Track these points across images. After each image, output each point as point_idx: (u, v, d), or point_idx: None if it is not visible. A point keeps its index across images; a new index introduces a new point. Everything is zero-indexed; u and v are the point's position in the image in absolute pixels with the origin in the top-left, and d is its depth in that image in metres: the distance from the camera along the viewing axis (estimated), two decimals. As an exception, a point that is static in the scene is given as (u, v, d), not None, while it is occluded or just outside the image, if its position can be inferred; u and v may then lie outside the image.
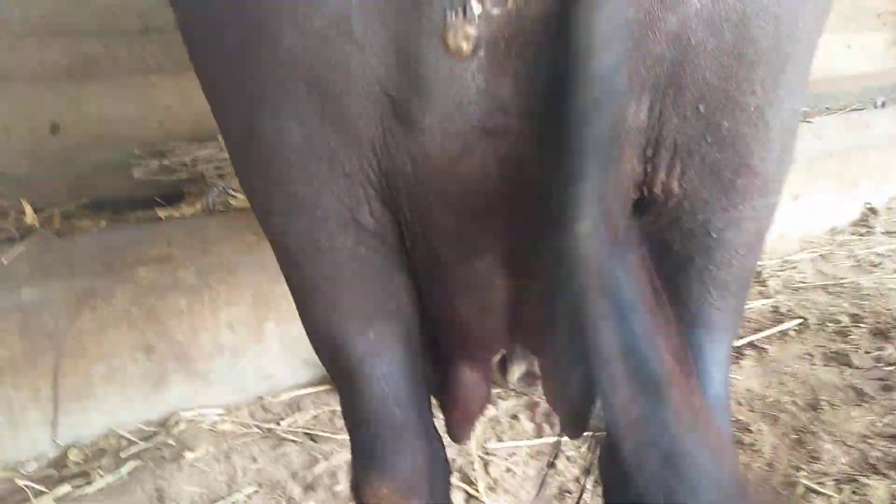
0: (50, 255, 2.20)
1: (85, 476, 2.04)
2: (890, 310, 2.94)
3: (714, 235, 0.87)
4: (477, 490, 2.01)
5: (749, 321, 2.95)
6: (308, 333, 1.00)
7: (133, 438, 2.23)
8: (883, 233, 4.05)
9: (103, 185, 3.28)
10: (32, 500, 1.95)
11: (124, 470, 2.06)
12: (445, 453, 1.11)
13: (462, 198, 0.83)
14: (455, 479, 2.07)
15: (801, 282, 3.37)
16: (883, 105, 4.64)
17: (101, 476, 2.02)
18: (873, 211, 4.28)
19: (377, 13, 0.71)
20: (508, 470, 2.10)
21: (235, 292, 2.39)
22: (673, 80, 0.75)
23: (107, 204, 3.11)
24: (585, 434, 1.14)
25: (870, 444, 2.10)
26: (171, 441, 2.22)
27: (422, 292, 1.01)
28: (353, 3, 0.71)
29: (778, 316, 2.96)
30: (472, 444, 2.20)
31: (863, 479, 1.94)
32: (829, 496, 1.89)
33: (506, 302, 0.98)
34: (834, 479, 1.96)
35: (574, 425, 1.15)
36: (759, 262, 1.00)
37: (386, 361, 0.96)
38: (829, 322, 2.87)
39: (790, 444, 2.15)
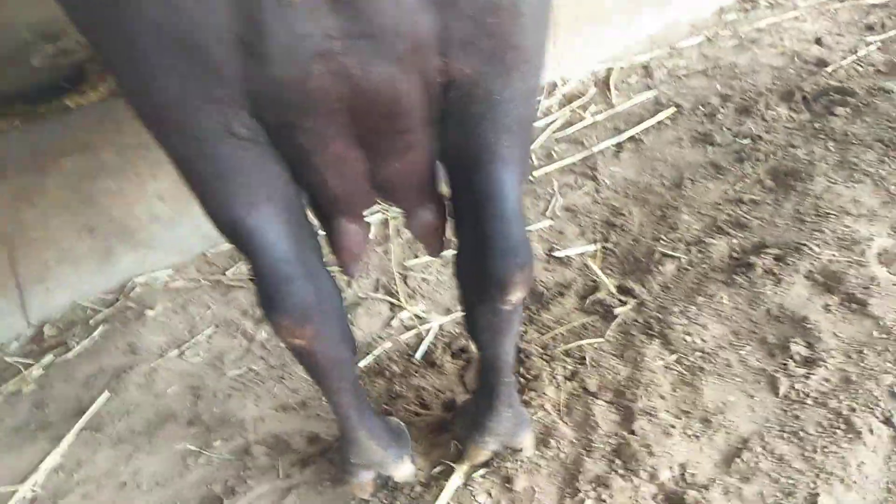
0: (-24, 161, 2.38)
1: (63, 345, 2.39)
2: (756, 86, 3.27)
3: (496, 96, 1.18)
4: (398, 299, 2.40)
5: (632, 115, 3.26)
6: (207, 216, 1.29)
7: (97, 307, 2.56)
8: (766, 6, 4.26)
9: (2, 80, 3.34)
10: (23, 371, 2.30)
11: (96, 334, 2.40)
12: (333, 288, 1.44)
13: (310, 104, 1.11)
14: (380, 294, 2.46)
15: (684, 68, 3.64)
16: None
17: (78, 343, 2.36)
18: (759, -16, 4.45)
19: None
20: (424, 280, 2.48)
21: (157, 167, 2.61)
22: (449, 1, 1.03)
23: (12, 98, 3.20)
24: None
25: (720, 209, 2.51)
26: (131, 304, 2.54)
27: (295, 172, 1.30)
28: None
29: (657, 107, 3.27)
30: (393, 263, 2.57)
31: (708, 240, 2.35)
32: (679, 258, 2.31)
33: (362, 171, 1.29)
34: (685, 244, 2.38)
35: (436, 247, 1.56)
36: (535, 113, 1.30)
37: (270, 231, 1.27)
38: (702, 105, 3.19)
39: (655, 220, 2.55)
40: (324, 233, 1.54)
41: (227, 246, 2.80)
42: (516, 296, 1.36)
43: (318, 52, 1.02)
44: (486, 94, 1.18)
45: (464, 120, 1.22)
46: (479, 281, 1.38)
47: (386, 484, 1.73)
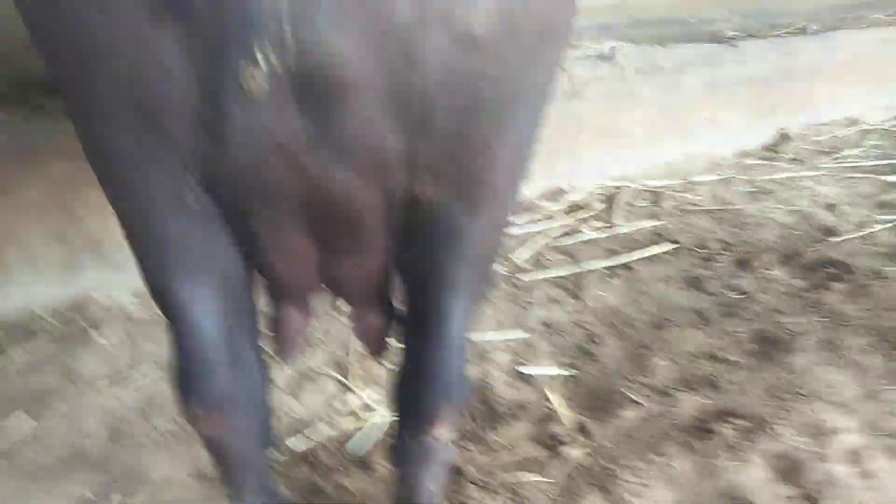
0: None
1: (4, 354, 2.29)
2: (760, 240, 3.24)
3: (458, 226, 1.12)
4: (348, 381, 2.31)
5: (631, 241, 3.23)
6: (142, 279, 1.22)
7: (49, 318, 2.47)
8: (789, 160, 4.30)
9: (23, 63, 3.33)
10: (-49, 371, 2.21)
11: (38, 348, 2.31)
12: (261, 378, 1.36)
13: (264, 192, 1.05)
14: (331, 370, 2.37)
15: (693, 204, 3.64)
16: (814, 33, 4.74)
17: (18, 354, 2.27)
18: (786, 137, 4.50)
19: (189, 58, 0.89)
20: (381, 364, 2.40)
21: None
22: (421, 126, 0.98)
23: (30, 84, 3.19)
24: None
25: (695, 363, 2.44)
26: (82, 322, 2.46)
27: (243, 251, 1.24)
28: (168, 49, 0.88)
29: (657, 237, 3.24)
30: (351, 339, 2.49)
31: (676, 394, 2.28)
32: (643, 405, 2.23)
33: (312, 263, 1.22)
34: (653, 391, 2.30)
35: (377, 349, 1.51)
36: (501, 246, 1.25)
37: (203, 310, 1.19)
38: (701, 247, 3.16)
39: (628, 357, 2.48)
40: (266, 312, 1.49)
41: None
42: (442, 432, 1.29)
43: (278, 146, 0.96)
44: (448, 222, 1.12)
45: (420, 241, 1.16)
46: (409, 407, 1.31)
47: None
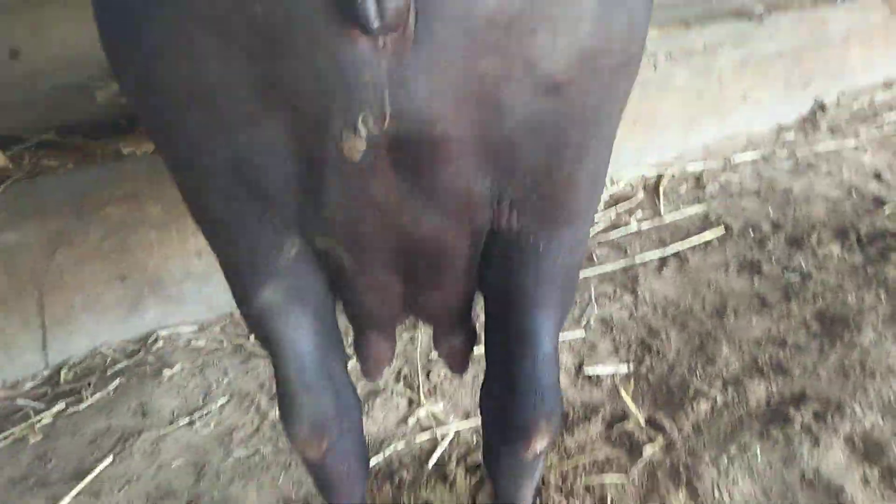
0: (24, 199, 2.40)
1: (77, 394, 2.36)
2: (810, 217, 3.20)
3: (540, 248, 1.15)
4: (418, 395, 2.34)
5: (679, 229, 3.21)
6: (236, 302, 1.27)
7: (117, 357, 2.53)
8: (827, 130, 4.22)
9: (66, 110, 3.42)
10: (33, 417, 2.27)
11: (111, 388, 2.37)
12: (355, 400, 1.40)
13: (359, 242, 1.12)
14: (400, 386, 2.39)
15: (737, 185, 3.60)
16: (843, 0, 4.65)
17: (91, 395, 2.33)
18: (822, 108, 4.43)
19: (292, 131, 0.94)
20: (447, 377, 2.42)
21: (200, 223, 2.61)
22: (508, 168, 1.02)
23: (73, 129, 3.26)
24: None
25: (761, 348, 2.42)
26: (150, 358, 2.52)
27: (335, 289, 1.29)
28: (272, 125, 0.94)
29: (706, 223, 3.21)
30: (417, 354, 2.51)
31: (746, 382, 2.26)
32: (715, 397, 2.21)
33: (399, 295, 1.28)
34: (722, 381, 2.28)
35: (459, 368, 1.61)
36: (582, 262, 1.27)
37: (299, 335, 1.24)
38: (752, 229, 3.13)
39: (692, 349, 2.46)
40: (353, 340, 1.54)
41: (254, 310, 2.78)
42: (540, 445, 1.30)
43: (372, 204, 1.01)
44: (533, 244, 1.15)
45: (505, 264, 1.20)
46: (503, 422, 1.33)
47: None
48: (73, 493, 1.99)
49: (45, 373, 2.49)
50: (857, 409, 2.07)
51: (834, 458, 1.94)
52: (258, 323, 1.23)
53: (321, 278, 1.23)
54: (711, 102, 4.00)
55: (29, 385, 2.44)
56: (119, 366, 2.49)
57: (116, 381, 2.40)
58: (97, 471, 2.06)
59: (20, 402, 2.33)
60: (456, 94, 0.89)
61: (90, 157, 2.71)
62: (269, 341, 1.24)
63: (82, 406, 2.31)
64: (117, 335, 2.59)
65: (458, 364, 1.61)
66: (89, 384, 2.40)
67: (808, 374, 2.26)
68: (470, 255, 1.18)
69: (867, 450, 1.95)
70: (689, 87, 3.82)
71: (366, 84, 0.84)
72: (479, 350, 1.49)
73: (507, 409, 1.29)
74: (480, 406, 1.45)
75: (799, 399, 2.15)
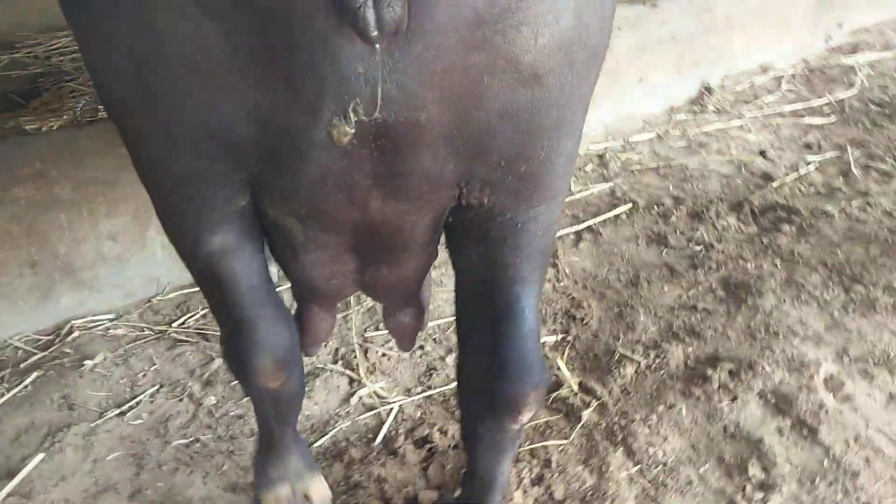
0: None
1: (-8, 389, 2.20)
2: (707, 192, 3.43)
3: (518, 225, 1.20)
4: (359, 374, 2.34)
5: (589, 205, 3.36)
6: (173, 240, 1.26)
7: (30, 349, 2.38)
8: (713, 111, 4.52)
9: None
10: (-57, 416, 2.10)
11: (28, 381, 2.23)
12: (296, 330, 1.41)
13: (321, 218, 1.14)
14: (339, 366, 2.39)
15: (637, 163, 3.80)
16: (724, -15, 4.96)
17: (8, 390, 2.18)
18: (708, 90, 4.72)
19: (281, 107, 0.97)
20: (384, 355, 2.44)
21: (115, 206, 2.48)
22: (479, 151, 1.06)
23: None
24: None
25: (674, 314, 2.60)
26: (67, 349, 2.38)
27: (279, 258, 1.31)
28: (262, 100, 0.96)
29: (614, 200, 3.39)
30: (353, 334, 2.52)
31: (665, 345, 2.42)
32: (638, 361, 2.36)
33: (350, 272, 1.32)
34: (643, 346, 2.44)
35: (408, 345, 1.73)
36: (555, 233, 1.33)
37: (247, 263, 1.24)
38: (656, 205, 3.32)
39: (613, 317, 2.61)
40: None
41: (175, 293, 2.68)
42: (527, 415, 1.36)
43: (345, 184, 1.05)
44: (507, 221, 1.20)
45: (483, 242, 1.24)
46: (489, 399, 1.36)
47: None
48: (3, 494, 1.87)
49: (-50, 368, 2.30)
50: (766, 366, 2.27)
51: (751, 412, 2.13)
52: (211, 266, 1.23)
53: (260, 236, 1.26)
54: (610, 84, 4.19)
55: (-67, 382, 2.25)
56: (34, 358, 2.34)
57: (34, 375, 2.26)
58: (27, 469, 1.94)
59: (-75, 400, 2.15)
60: (442, 86, 0.94)
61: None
62: (222, 282, 1.24)
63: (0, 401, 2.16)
64: (30, 325, 2.43)
65: (408, 341, 1.68)
66: (2, 378, 2.25)
67: (720, 336, 2.45)
68: (428, 234, 1.21)
69: (778, 403, 2.15)
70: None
71: (359, 76, 0.89)
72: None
73: (494, 383, 1.33)
74: (459, 382, 1.48)
75: (714, 360, 2.33)
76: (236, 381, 2.26)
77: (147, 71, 0.96)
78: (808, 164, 3.66)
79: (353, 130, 0.94)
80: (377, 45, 0.86)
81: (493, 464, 1.47)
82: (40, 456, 1.98)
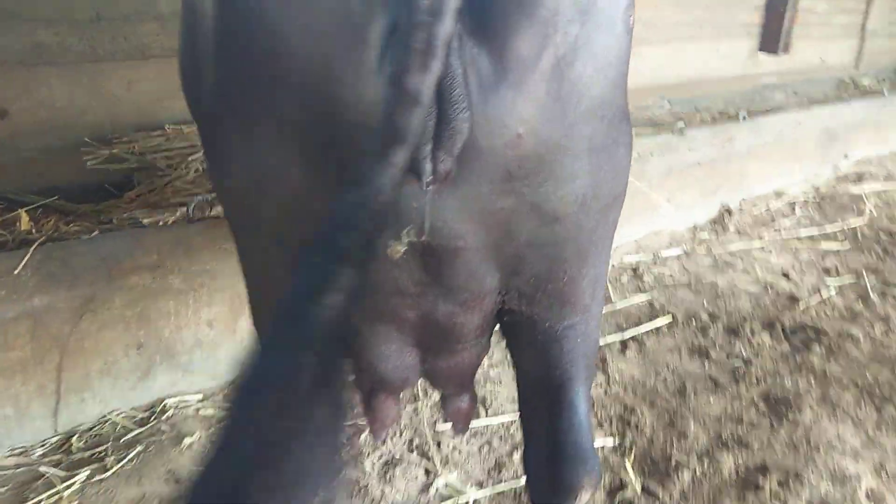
0: (52, 264, 2.43)
1: (99, 461, 2.36)
2: (739, 310, 3.70)
3: (558, 332, 1.45)
4: (434, 464, 2.52)
5: (631, 315, 3.61)
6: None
7: (129, 425, 2.55)
8: (734, 231, 4.85)
9: (52, 171, 3.43)
10: (58, 485, 2.25)
11: (132, 454, 2.39)
12: None
13: (383, 319, 1.39)
14: (415, 456, 2.57)
15: (670, 277, 4.08)
16: (744, 118, 5.42)
17: (115, 462, 2.35)
18: (728, 212, 5.08)
19: (347, 237, 1.17)
20: (455, 448, 2.62)
21: (215, 295, 2.72)
22: (513, 272, 1.33)
23: (60, 191, 3.28)
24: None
25: (722, 425, 2.80)
26: (164, 426, 2.55)
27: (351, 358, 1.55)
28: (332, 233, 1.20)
29: (653, 312, 3.64)
30: (425, 427, 2.71)
31: (717, 454, 2.62)
32: (694, 468, 2.55)
33: (411, 364, 1.54)
34: (696, 454, 2.63)
35: (463, 428, 1.90)
36: (597, 336, 1.59)
37: None
38: (693, 318, 3.58)
39: (665, 425, 2.81)
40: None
41: (257, 379, 2.88)
42: (585, 497, 1.56)
43: (399, 291, 1.30)
44: (548, 327, 1.45)
45: (533, 344, 1.48)
46: (551, 484, 1.56)
47: None
48: (127, 562, 2.01)
49: (55, 440, 2.46)
50: (812, 478, 2.47)
51: (801, 521, 2.31)
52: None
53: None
54: (642, 203, 4.53)
55: (39, 451, 2.41)
56: (133, 433, 2.51)
57: (136, 449, 2.42)
58: (146, 539, 2.09)
59: (42, 469, 2.30)
60: (477, 222, 1.22)
61: (106, 223, 2.77)
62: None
63: (107, 474, 2.32)
64: (127, 402, 2.61)
65: (463, 424, 1.87)
66: (108, 451, 2.41)
67: (766, 448, 2.66)
68: (478, 331, 1.45)
69: (826, 513, 2.34)
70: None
71: (413, 209, 1.17)
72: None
73: (554, 472, 1.53)
74: (526, 470, 1.68)
75: (763, 469, 2.53)
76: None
77: (251, 194, 1.27)
78: (829, 287, 3.95)
79: (404, 249, 1.20)
80: (430, 188, 1.13)
81: None
82: (158, 527, 2.13)
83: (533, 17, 1.10)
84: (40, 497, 2.21)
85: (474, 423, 2.74)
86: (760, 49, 7.83)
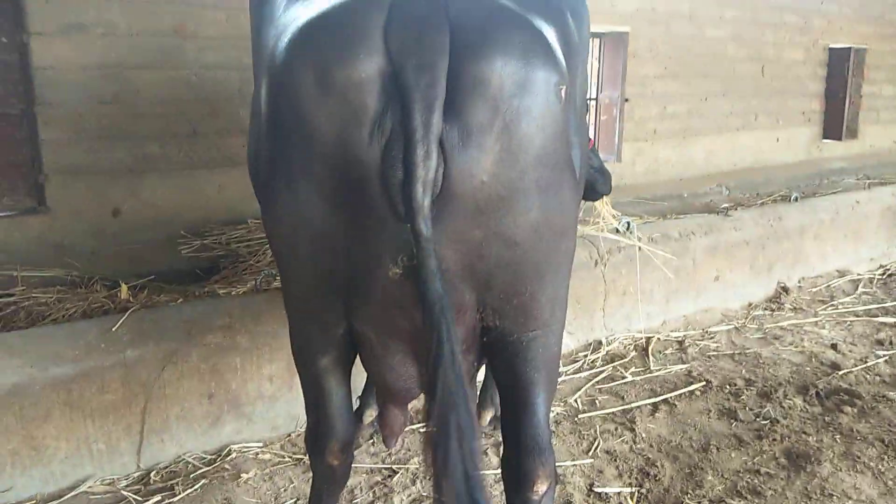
0: (143, 324, 2.97)
1: (170, 490, 2.79)
2: (777, 376, 3.80)
3: (524, 342, 1.78)
4: None
5: (667, 381, 3.78)
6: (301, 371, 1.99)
7: (199, 465, 2.98)
8: (790, 309, 4.93)
9: (153, 259, 4.08)
10: (135, 506, 2.69)
11: (198, 486, 2.81)
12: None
13: (386, 329, 1.77)
14: (440, 497, 2.84)
15: (714, 350, 4.22)
16: (796, 199, 5.57)
17: (182, 490, 2.77)
18: (785, 290, 5.16)
19: (359, 261, 1.66)
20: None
21: (276, 353, 3.17)
22: (486, 287, 1.69)
23: (159, 274, 3.89)
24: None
25: (739, 476, 2.92)
26: (227, 466, 2.96)
27: (368, 366, 1.97)
28: (346, 259, 1.68)
29: (690, 379, 3.80)
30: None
31: (728, 501, 2.74)
32: (703, 512, 2.69)
33: (415, 375, 1.89)
34: (709, 501, 2.77)
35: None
36: (559, 354, 1.93)
37: (339, 391, 1.97)
38: (728, 385, 3.71)
39: (684, 476, 2.95)
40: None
41: (311, 431, 3.26)
42: (541, 487, 1.82)
43: (398, 303, 1.66)
44: (516, 338, 1.78)
45: (503, 354, 1.81)
46: (515, 474, 1.85)
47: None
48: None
49: (136, 474, 2.91)
50: (819, 522, 2.55)
51: (802, 559, 2.40)
52: (315, 378, 1.94)
53: (352, 353, 1.93)
54: (687, 281, 4.72)
55: (123, 483, 2.86)
56: (201, 471, 2.93)
57: (201, 482, 2.83)
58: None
59: (124, 493, 2.74)
60: (455, 248, 1.60)
61: (189, 295, 3.32)
62: (319, 390, 1.95)
63: (175, 499, 2.73)
64: (199, 446, 3.05)
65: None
66: (177, 483, 2.83)
67: (778, 496, 2.76)
68: (465, 343, 1.76)
69: (828, 554, 2.42)
70: (668, 266, 4.52)
71: (405, 242, 1.55)
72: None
73: (516, 463, 1.84)
74: (501, 467, 1.94)
75: (772, 515, 2.64)
76: (357, 501, 2.76)
77: (292, 237, 1.71)
78: (879, 357, 3.98)
79: (400, 271, 1.59)
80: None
81: None
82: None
83: (485, 95, 1.54)
84: (121, 514, 2.64)
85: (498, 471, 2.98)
86: (825, 137, 7.93)
